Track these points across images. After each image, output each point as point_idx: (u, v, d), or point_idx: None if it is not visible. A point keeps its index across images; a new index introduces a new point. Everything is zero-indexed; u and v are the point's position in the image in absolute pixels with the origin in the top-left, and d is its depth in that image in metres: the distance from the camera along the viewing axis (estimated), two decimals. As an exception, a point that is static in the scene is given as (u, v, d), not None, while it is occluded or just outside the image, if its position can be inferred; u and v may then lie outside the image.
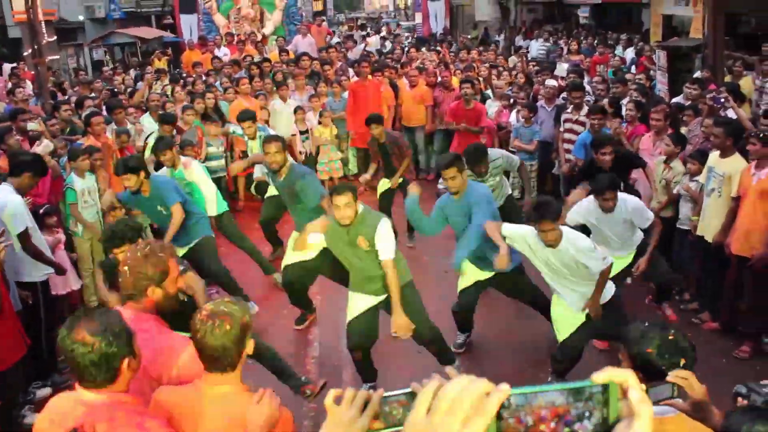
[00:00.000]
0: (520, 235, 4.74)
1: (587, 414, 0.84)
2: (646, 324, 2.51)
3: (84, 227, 6.28)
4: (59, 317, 6.10)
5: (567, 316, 4.81)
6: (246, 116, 7.35)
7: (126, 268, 2.74)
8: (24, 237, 4.96)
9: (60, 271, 5.41)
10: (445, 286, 6.13)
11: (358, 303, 4.81)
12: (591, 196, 5.31)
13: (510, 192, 6.89)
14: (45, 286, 5.33)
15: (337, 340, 5.91)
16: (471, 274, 5.40)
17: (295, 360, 5.55)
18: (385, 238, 4.53)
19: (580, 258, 4.49)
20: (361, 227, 4.53)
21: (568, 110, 8.05)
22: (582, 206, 5.36)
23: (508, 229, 4.84)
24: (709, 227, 5.63)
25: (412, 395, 1.08)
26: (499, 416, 0.84)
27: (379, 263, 4.57)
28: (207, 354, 2.34)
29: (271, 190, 6.93)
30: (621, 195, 5.21)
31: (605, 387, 0.84)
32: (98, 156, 6.57)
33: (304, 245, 5.08)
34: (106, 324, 2.18)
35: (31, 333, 4.92)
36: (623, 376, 0.85)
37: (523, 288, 5.47)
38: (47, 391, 5.08)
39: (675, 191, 6.10)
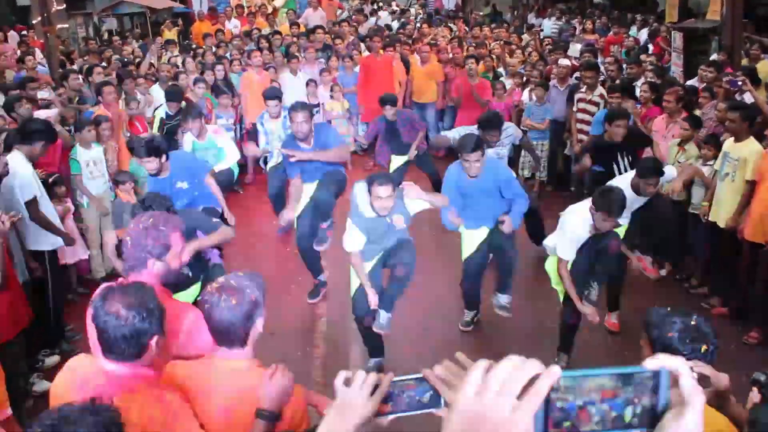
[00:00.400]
0: (571, 243, 4.74)
1: (636, 400, 0.84)
2: (668, 308, 2.48)
3: (89, 199, 6.26)
4: (67, 286, 6.15)
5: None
6: (273, 94, 7.25)
7: (128, 239, 2.72)
8: (32, 206, 4.94)
9: (68, 240, 5.39)
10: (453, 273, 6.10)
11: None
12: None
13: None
14: (53, 255, 5.32)
15: (346, 316, 5.92)
16: (471, 239, 5.41)
17: (302, 335, 5.57)
18: (417, 204, 4.70)
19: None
20: (395, 210, 4.58)
21: (582, 90, 7.96)
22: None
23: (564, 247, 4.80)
24: (721, 213, 5.57)
25: (422, 380, 1.09)
26: (547, 399, 0.84)
27: (401, 232, 4.75)
28: (214, 327, 2.32)
29: (275, 160, 6.88)
30: None
31: (656, 374, 0.84)
32: (105, 126, 6.52)
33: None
34: (141, 300, 2.17)
35: (38, 302, 4.94)
36: (676, 363, 0.84)
37: (512, 241, 5.46)
38: (56, 359, 5.12)
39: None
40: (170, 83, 8.69)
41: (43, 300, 5.11)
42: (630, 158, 6.02)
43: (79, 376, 2.25)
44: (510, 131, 6.52)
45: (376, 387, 1.15)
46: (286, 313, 5.86)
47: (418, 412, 1.12)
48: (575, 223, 4.70)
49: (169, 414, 2.08)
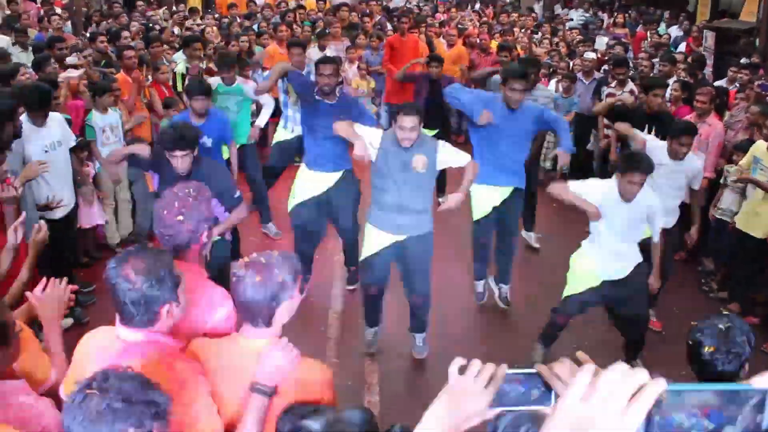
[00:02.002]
0: (594, 189, 4.59)
1: (738, 418, 0.83)
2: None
3: (101, 166, 6.17)
4: (84, 251, 6.14)
5: (588, 274, 4.69)
6: (296, 42, 7.23)
7: (179, 212, 2.66)
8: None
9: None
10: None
11: (376, 239, 4.70)
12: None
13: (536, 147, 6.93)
14: (67, 221, 5.29)
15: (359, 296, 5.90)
16: (482, 200, 5.42)
17: (317, 314, 5.54)
18: (452, 152, 4.62)
19: (654, 213, 4.50)
20: (420, 148, 4.47)
21: (612, 85, 7.85)
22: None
23: (582, 185, 4.67)
24: (750, 220, 5.50)
25: (532, 376, 1.09)
26: (648, 413, 0.83)
27: (423, 194, 4.59)
28: (238, 303, 2.28)
29: (279, 135, 6.81)
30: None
31: (764, 392, 0.83)
32: (115, 87, 6.38)
33: None
34: (153, 266, 2.12)
35: (53, 267, 4.91)
36: None
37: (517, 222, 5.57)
38: (69, 321, 5.10)
39: (730, 180, 5.97)
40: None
41: (58, 265, 5.07)
42: (657, 135, 5.93)
43: (98, 345, 2.23)
44: (548, 93, 6.69)
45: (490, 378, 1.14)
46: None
47: (526, 408, 1.12)
48: (598, 185, 4.63)
49: (176, 383, 2.04)
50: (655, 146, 5.16)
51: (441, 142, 4.61)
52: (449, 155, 4.60)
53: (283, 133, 6.89)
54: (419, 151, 4.45)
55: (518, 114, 5.16)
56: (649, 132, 5.86)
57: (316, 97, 5.43)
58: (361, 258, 4.84)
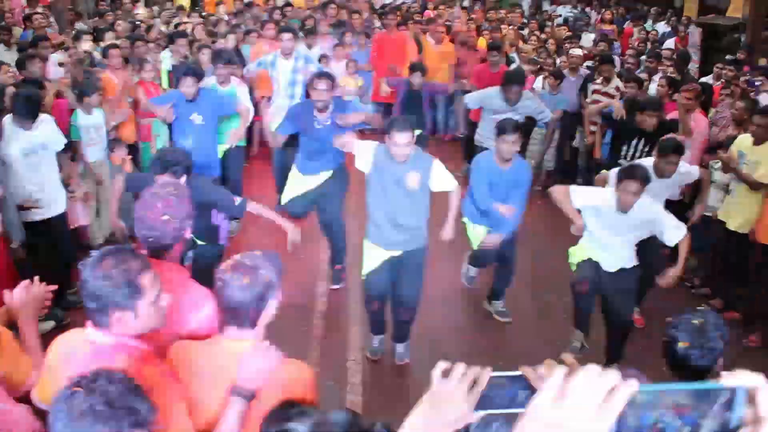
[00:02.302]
0: (595, 194, 4.68)
1: (710, 416, 0.84)
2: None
3: (84, 167, 6.13)
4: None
5: (586, 253, 4.76)
6: (286, 28, 7.31)
7: (163, 211, 2.63)
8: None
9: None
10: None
11: (375, 255, 4.73)
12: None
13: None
14: (46, 224, 5.25)
15: (345, 296, 5.89)
16: (477, 233, 5.46)
17: (300, 313, 5.53)
18: (444, 173, 4.58)
19: (657, 226, 4.51)
20: (414, 165, 4.47)
21: (597, 81, 7.88)
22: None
23: (581, 192, 4.70)
24: (732, 214, 5.53)
25: (518, 379, 1.09)
26: (621, 413, 0.84)
27: (417, 211, 4.59)
28: (224, 305, 2.28)
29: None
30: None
31: (733, 390, 0.84)
32: (100, 87, 6.35)
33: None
34: (115, 270, 2.07)
35: (36, 269, 4.89)
36: (755, 381, 0.85)
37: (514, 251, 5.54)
38: (50, 324, 5.05)
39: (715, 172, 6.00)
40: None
41: (41, 266, 5.05)
42: (645, 147, 5.99)
43: (69, 348, 2.21)
44: (529, 102, 6.74)
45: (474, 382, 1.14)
46: (286, 288, 5.80)
47: (510, 411, 1.10)
48: (599, 192, 4.70)
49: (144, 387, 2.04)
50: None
51: (435, 160, 4.59)
52: (441, 176, 4.58)
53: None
54: (413, 168, 4.46)
55: (511, 168, 5.13)
56: (638, 143, 5.90)
57: (316, 125, 5.51)
58: (363, 274, 4.86)
